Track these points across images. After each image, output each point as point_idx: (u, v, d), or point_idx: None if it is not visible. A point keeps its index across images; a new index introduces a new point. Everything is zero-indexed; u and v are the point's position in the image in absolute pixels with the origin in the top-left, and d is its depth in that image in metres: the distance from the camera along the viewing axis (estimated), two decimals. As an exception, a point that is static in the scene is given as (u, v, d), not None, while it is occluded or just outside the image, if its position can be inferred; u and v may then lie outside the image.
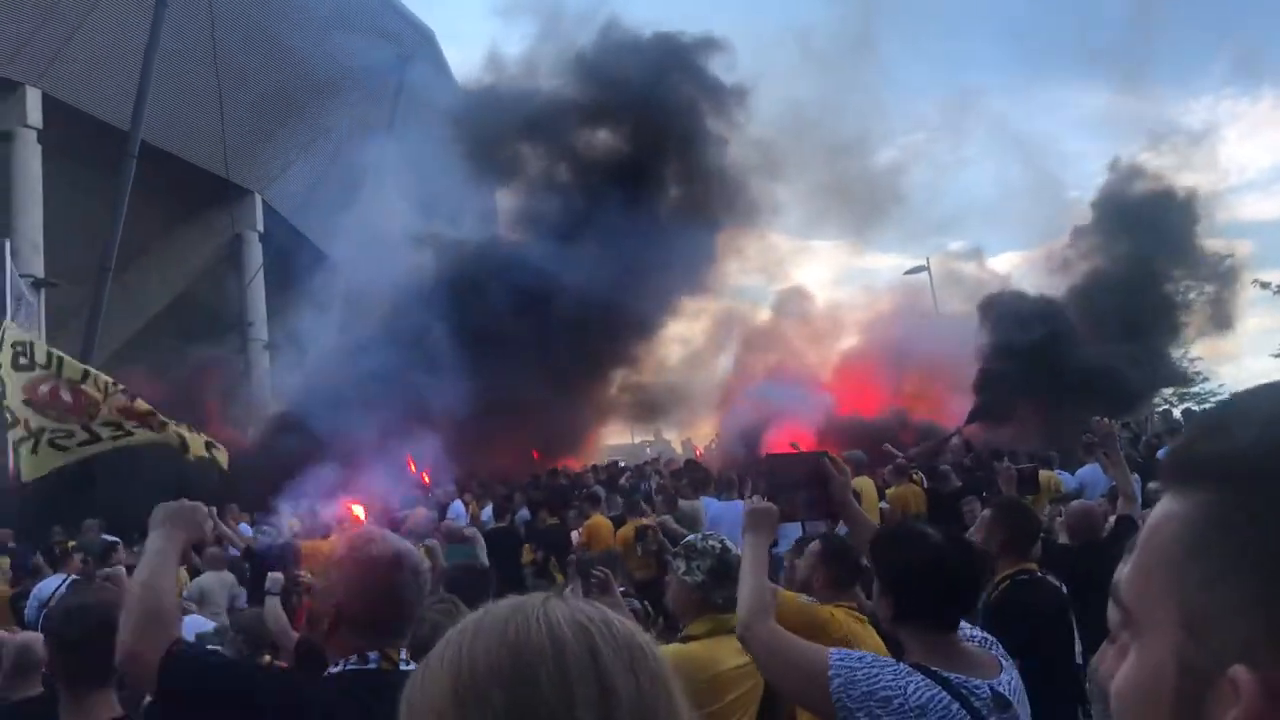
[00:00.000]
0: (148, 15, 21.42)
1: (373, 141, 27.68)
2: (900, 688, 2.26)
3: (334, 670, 2.20)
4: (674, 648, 3.34)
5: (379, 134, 27.78)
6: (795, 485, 3.10)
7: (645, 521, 8.94)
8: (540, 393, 20.09)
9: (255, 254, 26.86)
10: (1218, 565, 0.59)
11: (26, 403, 9.11)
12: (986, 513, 4.89)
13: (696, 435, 23.30)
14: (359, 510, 12.63)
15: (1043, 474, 9.28)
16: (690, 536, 3.67)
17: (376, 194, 28.21)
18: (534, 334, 19.95)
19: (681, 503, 9.76)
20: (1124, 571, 0.67)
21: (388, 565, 2.23)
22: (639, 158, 23.02)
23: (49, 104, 21.53)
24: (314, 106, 26.35)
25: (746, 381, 21.96)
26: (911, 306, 24.76)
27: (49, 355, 9.72)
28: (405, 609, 2.24)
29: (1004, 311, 20.57)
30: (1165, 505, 0.65)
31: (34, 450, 9.21)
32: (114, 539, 11.55)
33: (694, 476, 11.35)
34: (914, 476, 10.20)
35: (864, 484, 8.29)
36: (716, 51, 24.21)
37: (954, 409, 19.68)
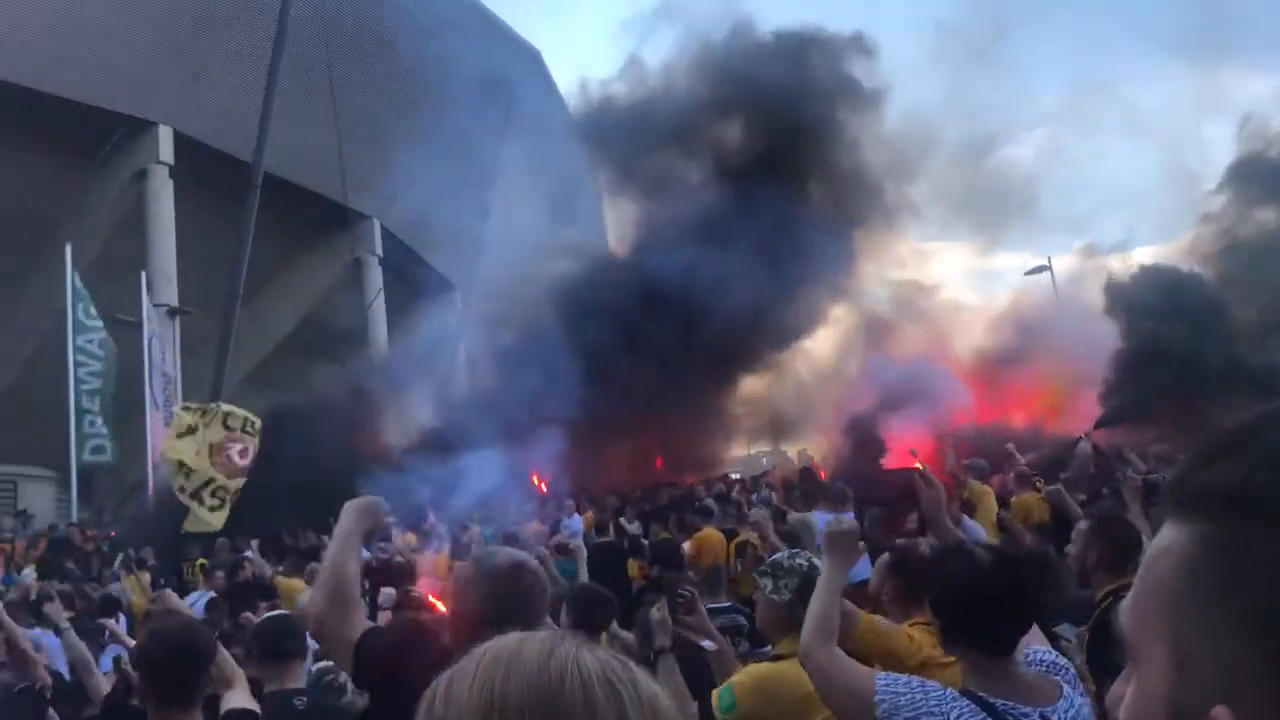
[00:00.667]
0: (268, 52, 22.34)
1: (487, 161, 28.29)
2: (944, 713, 2.22)
3: None
4: (764, 667, 3.26)
5: (492, 154, 28.34)
6: (885, 502, 2.98)
7: (746, 536, 8.75)
8: (666, 404, 20.02)
9: (375, 277, 27.62)
10: (1208, 603, 0.59)
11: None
12: (1082, 524, 4.62)
13: (816, 447, 22.67)
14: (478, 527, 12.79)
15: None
16: (777, 554, 3.56)
17: (493, 211, 28.83)
18: (662, 344, 19.82)
19: (791, 515, 9.52)
20: (1126, 601, 0.66)
21: (509, 573, 2.54)
22: (773, 161, 22.39)
23: (178, 141, 22.60)
24: (427, 131, 26.98)
25: (867, 369, 21.01)
26: (1037, 306, 23.59)
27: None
28: (528, 613, 2.49)
29: (1139, 296, 19.24)
30: (1164, 535, 0.64)
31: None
32: (244, 555, 11.99)
33: (806, 489, 11.08)
34: (1037, 485, 9.73)
35: (982, 493, 7.91)
36: (855, 51, 23.70)
37: (1087, 412, 18.78)
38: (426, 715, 0.92)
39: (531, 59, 30.88)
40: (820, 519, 8.94)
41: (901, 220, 23.87)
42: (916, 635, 3.51)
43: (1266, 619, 0.56)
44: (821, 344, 23.48)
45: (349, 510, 2.81)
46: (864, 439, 17.44)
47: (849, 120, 23.21)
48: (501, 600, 2.49)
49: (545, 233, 27.79)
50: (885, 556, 3.99)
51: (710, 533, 9.74)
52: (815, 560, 3.35)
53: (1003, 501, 9.02)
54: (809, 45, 23.65)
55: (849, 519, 3.04)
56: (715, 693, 3.26)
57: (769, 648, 3.57)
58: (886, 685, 2.31)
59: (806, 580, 3.23)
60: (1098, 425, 17.04)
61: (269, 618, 4.39)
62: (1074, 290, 24.08)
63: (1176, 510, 0.64)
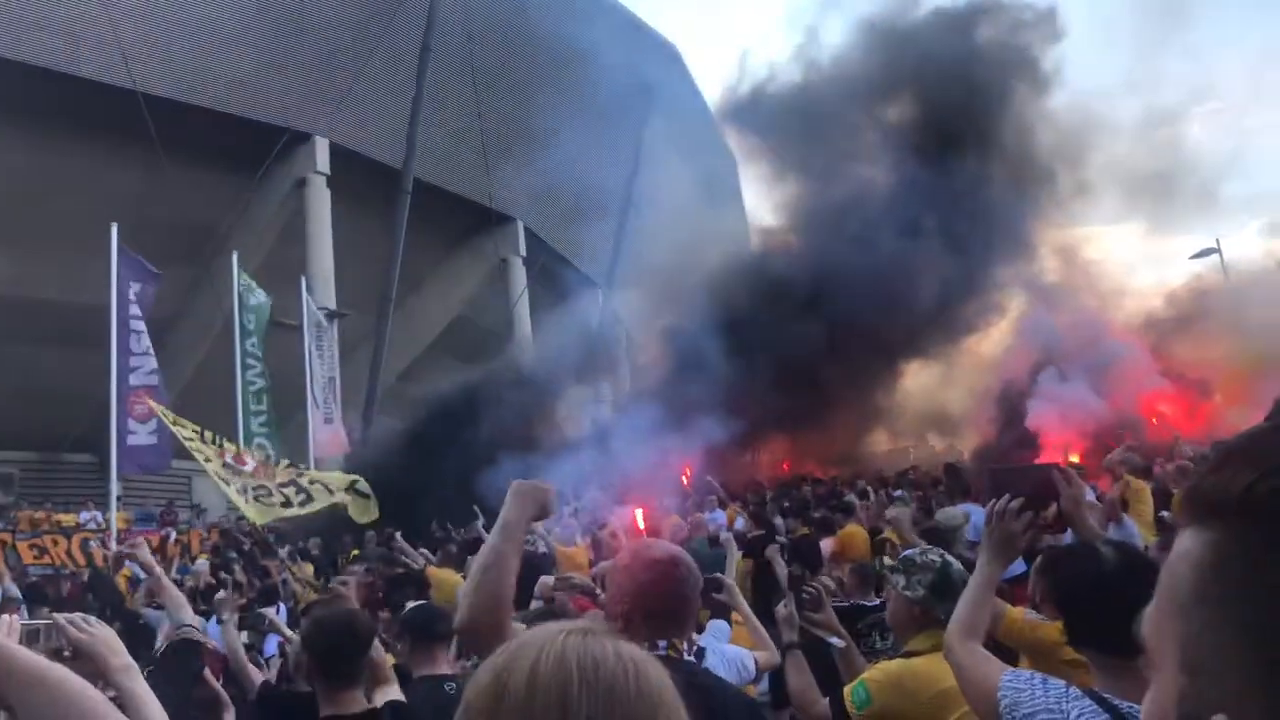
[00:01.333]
0: (414, 61, 23.14)
1: (629, 159, 28.56)
2: (1063, 711, 2.17)
3: None
4: (898, 663, 3.21)
5: (633, 152, 28.60)
6: (1022, 498, 2.87)
7: (888, 534, 8.56)
8: (818, 398, 19.69)
9: (519, 277, 28.24)
10: (1215, 611, 0.60)
11: (225, 466, 11.03)
12: None
13: (965, 442, 21.65)
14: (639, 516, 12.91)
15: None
16: (909, 551, 3.48)
17: (635, 208, 29.07)
18: (820, 334, 19.43)
19: (944, 511, 9.26)
20: (1147, 608, 0.67)
21: (667, 565, 2.60)
22: (945, 141, 21.43)
23: (334, 151, 23.63)
24: (568, 132, 27.41)
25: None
26: (1208, 291, 21.89)
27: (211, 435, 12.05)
28: (685, 604, 2.60)
29: None
30: (1180, 542, 0.65)
31: (248, 501, 11.07)
32: (389, 549, 12.44)
33: (951, 484, 10.77)
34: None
35: (1139, 489, 7.48)
36: (1029, 24, 22.74)
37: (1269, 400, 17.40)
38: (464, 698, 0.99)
39: (671, 57, 30.98)
40: (975, 514, 8.69)
41: (1073, 202, 22.60)
42: None
43: (1269, 630, 0.56)
44: (988, 336, 22.17)
45: (514, 494, 2.50)
46: (1012, 413, 16.71)
47: (1023, 96, 22.17)
48: (659, 593, 2.55)
49: (688, 228, 27.82)
50: (1039, 558, 3.88)
51: (854, 529, 9.59)
52: (948, 557, 3.32)
53: (1166, 496, 8.51)
54: (980, 17, 22.67)
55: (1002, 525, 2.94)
56: (848, 689, 3.22)
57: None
58: (1009, 681, 2.29)
59: (940, 576, 3.21)
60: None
61: (418, 605, 4.54)
62: (1247, 273, 22.28)
63: (1189, 517, 0.64)
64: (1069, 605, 2.42)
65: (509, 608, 2.39)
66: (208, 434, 13.04)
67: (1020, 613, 3.58)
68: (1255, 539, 0.59)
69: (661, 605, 2.54)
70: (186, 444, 12.87)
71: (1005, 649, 3.66)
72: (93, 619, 2.12)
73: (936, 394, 22.48)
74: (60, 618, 2.12)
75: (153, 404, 14.50)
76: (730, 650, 4.17)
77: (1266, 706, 0.56)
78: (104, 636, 2.07)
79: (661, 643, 2.49)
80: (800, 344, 19.01)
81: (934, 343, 21.62)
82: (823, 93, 23.08)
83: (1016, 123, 21.94)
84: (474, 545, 12.53)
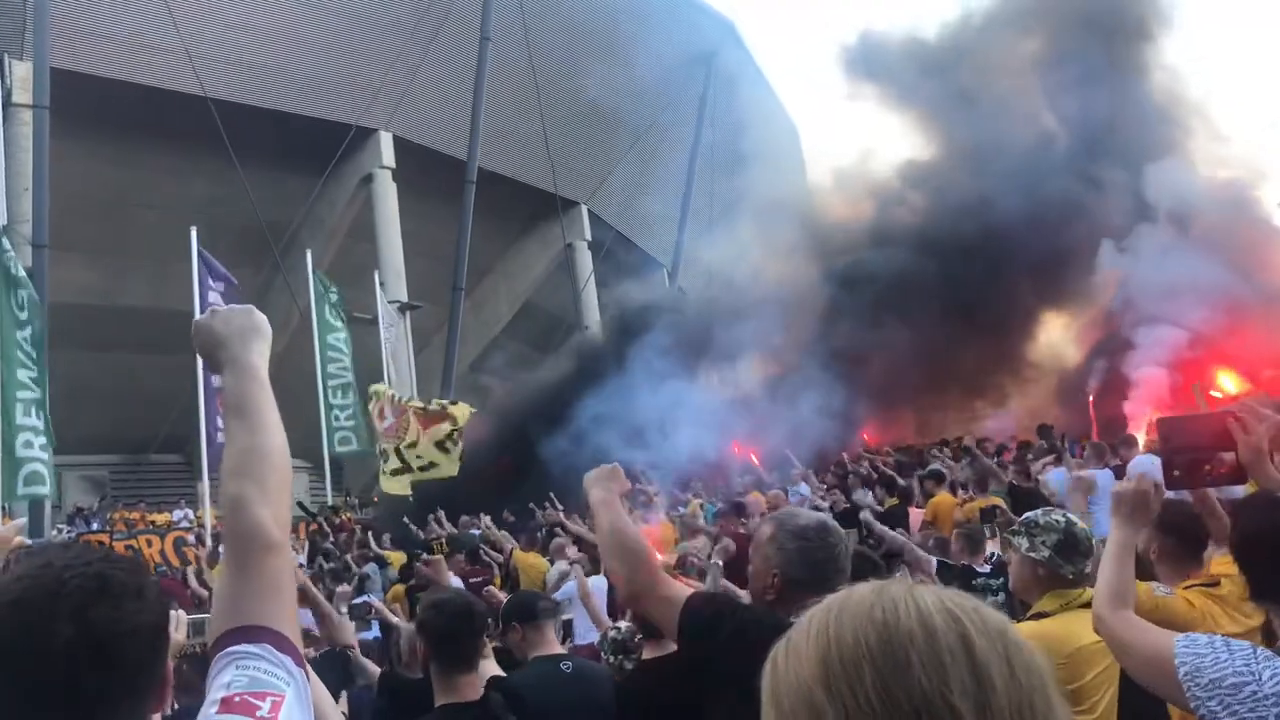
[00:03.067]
0: (473, 51, 23.22)
1: (689, 137, 28.38)
2: (1253, 673, 2.01)
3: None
4: (1029, 626, 3.14)
5: (693, 129, 28.43)
6: (1195, 450, 2.75)
7: (992, 500, 8.37)
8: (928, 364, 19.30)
9: (585, 261, 28.28)
10: None
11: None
12: None
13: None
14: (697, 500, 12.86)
15: None
16: (1031, 513, 3.42)
17: (697, 186, 28.89)
18: (942, 296, 18.73)
19: (1074, 473, 9.05)
20: None
21: (817, 531, 2.58)
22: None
23: (398, 145, 23.85)
24: (628, 113, 27.32)
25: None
26: None
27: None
28: (839, 571, 2.55)
29: None
30: None
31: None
32: (479, 534, 12.56)
33: (1045, 443, 10.50)
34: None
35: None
36: None
37: None
38: (771, 673, 0.93)
39: (728, 31, 30.67)
40: (1102, 476, 8.47)
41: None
42: (1196, 601, 3.33)
43: None
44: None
45: (593, 481, 2.74)
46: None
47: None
48: (812, 561, 2.52)
49: (749, 203, 27.53)
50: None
51: (945, 497, 9.43)
52: (1072, 516, 3.27)
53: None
54: None
55: (1150, 471, 2.84)
56: None
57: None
58: (1186, 647, 2.15)
59: (1065, 535, 3.16)
60: None
61: (519, 592, 4.56)
62: None
63: None
64: (1250, 558, 2.29)
65: (655, 561, 2.56)
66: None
67: (1147, 587, 3.46)
68: None
69: (813, 573, 2.49)
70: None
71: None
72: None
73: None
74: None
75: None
76: None
77: None
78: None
79: None
80: (910, 308, 18.55)
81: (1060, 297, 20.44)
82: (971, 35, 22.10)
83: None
84: (551, 530, 12.62)
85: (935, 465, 11.07)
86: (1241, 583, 2.38)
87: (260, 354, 1.72)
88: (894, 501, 10.46)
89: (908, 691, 0.83)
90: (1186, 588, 3.43)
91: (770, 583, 2.54)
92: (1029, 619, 3.19)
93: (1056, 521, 3.23)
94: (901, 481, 10.98)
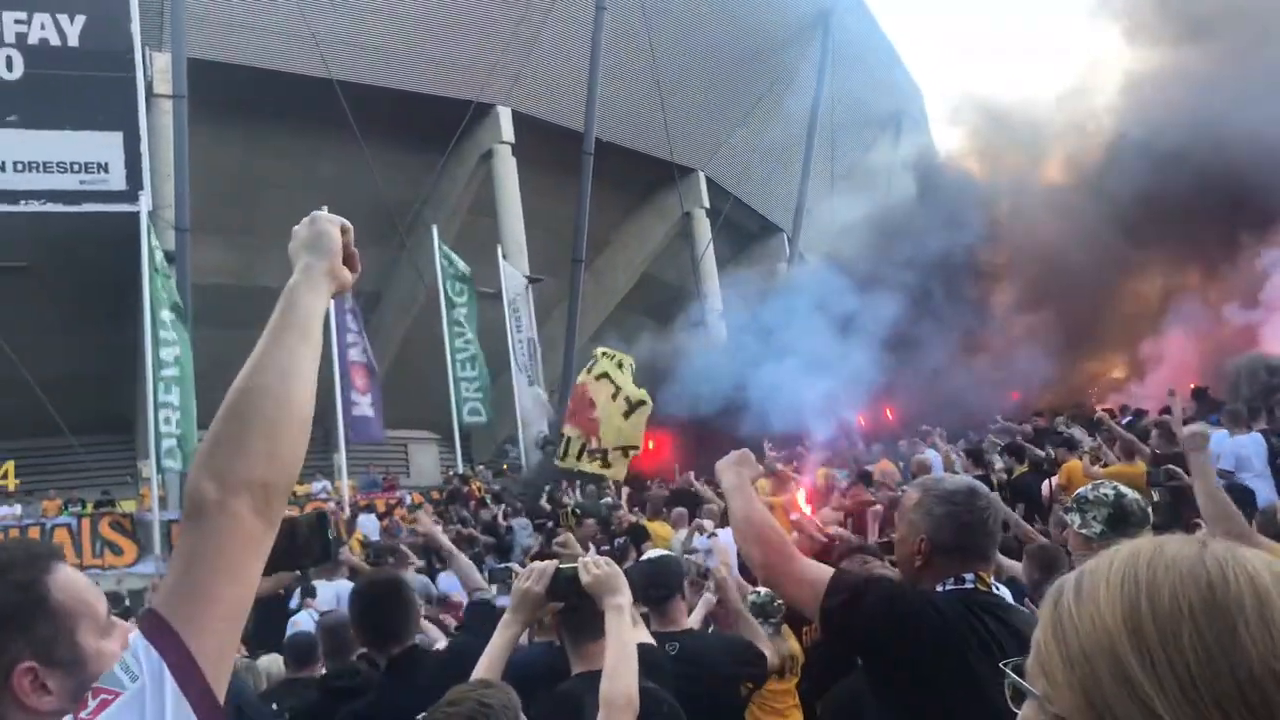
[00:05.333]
0: (590, 23, 23.24)
1: (808, 99, 27.85)
2: None
3: (940, 592, 2.49)
4: None
5: (812, 91, 27.90)
6: None
7: (1134, 468, 7.99)
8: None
9: (704, 229, 28.14)
10: None
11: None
12: None
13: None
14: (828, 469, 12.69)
15: None
16: (1082, 489, 3.38)
17: (816, 148, 28.37)
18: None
19: (1189, 428, 8.61)
20: None
21: (966, 496, 2.54)
22: None
23: (516, 120, 24.10)
24: (745, 77, 26.98)
25: None
26: None
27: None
28: (988, 536, 2.55)
29: None
30: None
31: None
32: (617, 502, 12.70)
33: (1202, 408, 9.98)
34: None
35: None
36: None
37: None
38: (1053, 610, 0.88)
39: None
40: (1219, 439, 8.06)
41: None
42: None
43: None
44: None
45: (726, 467, 2.81)
46: None
47: None
48: (961, 526, 2.49)
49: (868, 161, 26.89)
50: None
51: (1075, 464, 9.09)
52: (1122, 489, 3.24)
53: None
54: None
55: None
56: None
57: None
58: None
59: (1115, 509, 3.14)
60: None
61: (646, 560, 4.53)
62: None
63: None
64: None
65: (787, 542, 2.61)
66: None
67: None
68: None
69: (962, 539, 2.48)
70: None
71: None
72: (604, 561, 2.76)
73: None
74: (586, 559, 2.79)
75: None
76: None
77: None
78: (609, 574, 2.67)
79: (968, 576, 2.46)
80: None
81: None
82: None
83: None
84: (679, 495, 12.68)
85: (1069, 432, 10.68)
86: None
87: (306, 269, 1.64)
88: (1023, 469, 10.14)
89: (1232, 661, 0.78)
90: None
91: (918, 548, 2.51)
92: None
93: (1106, 495, 3.20)
94: (1039, 452, 10.57)
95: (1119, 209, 18.66)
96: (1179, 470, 6.53)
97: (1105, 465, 8.25)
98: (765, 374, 15.83)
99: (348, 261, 1.66)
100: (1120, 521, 3.11)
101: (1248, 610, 0.79)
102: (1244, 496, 6.33)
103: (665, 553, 4.56)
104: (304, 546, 1.84)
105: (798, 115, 27.79)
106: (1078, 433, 11.24)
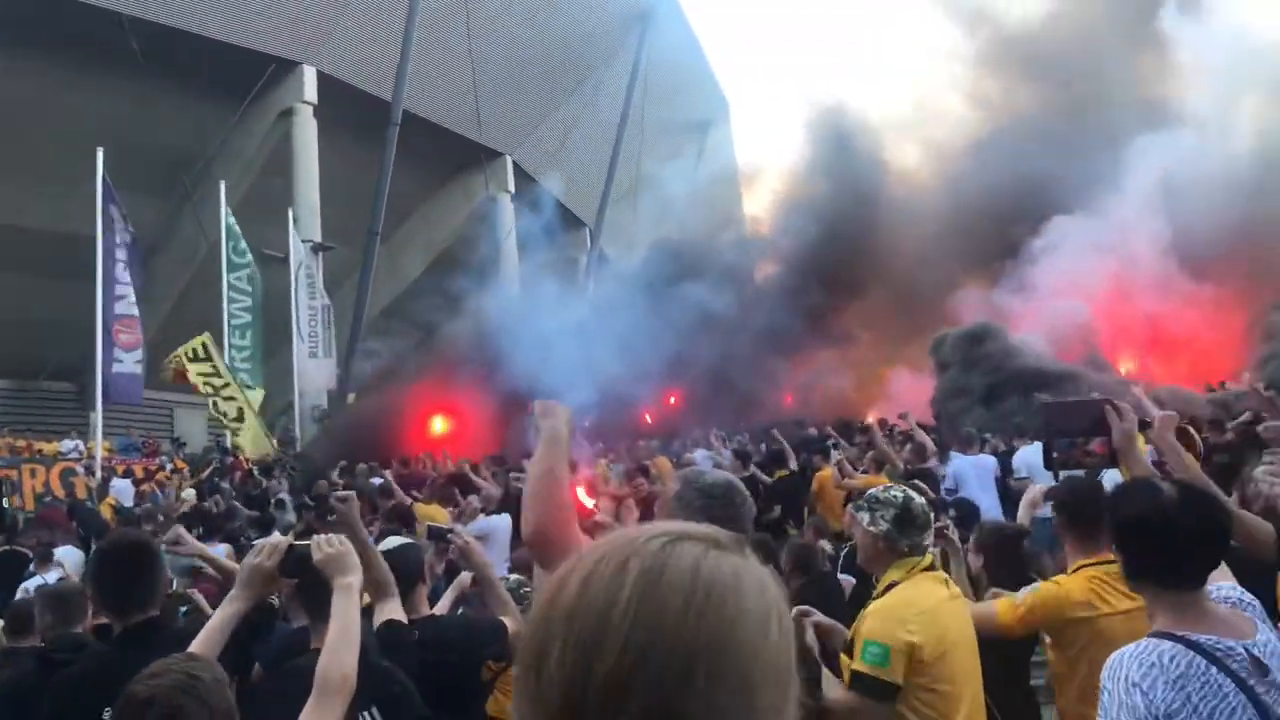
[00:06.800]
0: (407, -11, 22.74)
1: (620, 96, 28.25)
2: (1158, 663, 2.16)
3: None
4: (888, 597, 3.31)
5: (625, 89, 28.31)
6: (1073, 434, 3.03)
7: (881, 480, 8.64)
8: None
9: (508, 214, 28.03)
10: None
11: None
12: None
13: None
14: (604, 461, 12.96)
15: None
16: (873, 489, 3.63)
17: (624, 146, 28.78)
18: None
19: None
20: None
21: (724, 490, 2.66)
22: None
23: (321, 80, 23.26)
24: (561, 68, 27.08)
25: None
26: None
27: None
28: (743, 529, 2.62)
29: None
30: None
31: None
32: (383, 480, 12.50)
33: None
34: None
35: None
36: None
37: None
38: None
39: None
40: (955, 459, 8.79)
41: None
42: (1088, 580, 3.54)
43: None
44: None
45: (549, 412, 2.56)
46: None
47: None
48: (712, 519, 2.50)
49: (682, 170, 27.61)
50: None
51: (828, 472, 9.70)
52: (910, 493, 3.47)
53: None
54: None
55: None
56: (856, 659, 3.22)
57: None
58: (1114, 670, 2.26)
59: (902, 510, 3.35)
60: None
61: (385, 550, 4.36)
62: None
63: None
64: (1128, 541, 2.42)
65: (573, 515, 2.48)
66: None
67: (1007, 603, 3.70)
68: None
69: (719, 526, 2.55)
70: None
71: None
72: (336, 539, 2.70)
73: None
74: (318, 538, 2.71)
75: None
76: None
77: None
78: (340, 554, 2.64)
79: None
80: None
81: None
82: None
83: None
84: (455, 479, 12.62)
85: (826, 443, 11.37)
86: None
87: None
88: (784, 473, 10.70)
89: None
90: (1080, 567, 3.63)
91: None
92: (883, 591, 3.36)
93: (895, 497, 3.42)
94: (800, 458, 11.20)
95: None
96: (924, 486, 7.12)
97: (849, 478, 8.82)
98: (553, 362, 16.01)
99: None
100: (906, 523, 3.33)
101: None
102: (969, 510, 6.98)
103: (407, 541, 4.44)
104: None
105: (609, 112, 28.14)
106: (844, 443, 11.96)
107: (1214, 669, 2.14)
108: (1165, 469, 3.31)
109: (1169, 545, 2.29)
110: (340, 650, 2.50)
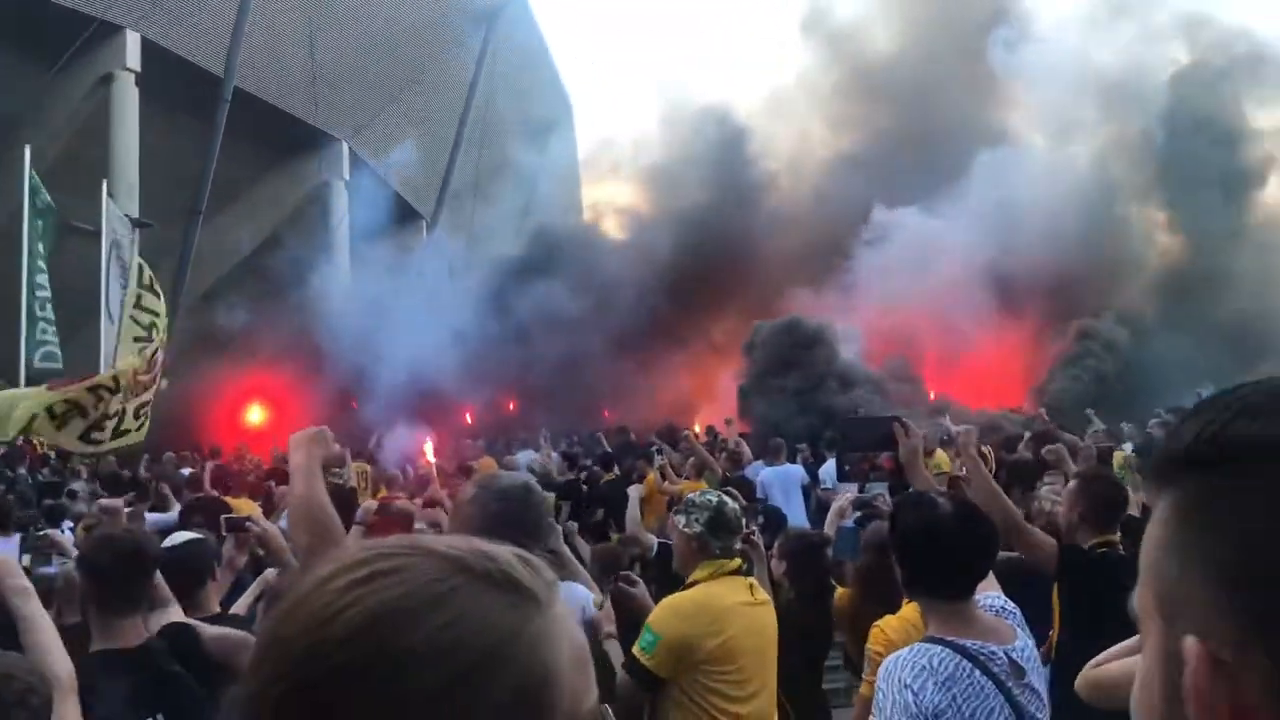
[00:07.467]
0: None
1: (463, 90, 27.98)
2: (927, 665, 2.33)
3: None
4: (675, 596, 3.52)
5: (467, 82, 28.05)
6: (866, 448, 3.28)
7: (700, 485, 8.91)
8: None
9: (341, 200, 27.27)
10: (1182, 561, 0.65)
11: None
12: (1072, 483, 4.59)
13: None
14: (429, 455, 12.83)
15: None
16: (691, 494, 3.85)
17: (465, 141, 28.51)
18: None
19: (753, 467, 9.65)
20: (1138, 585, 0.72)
21: (521, 492, 2.74)
22: None
23: (147, 48, 22.04)
24: (404, 56, 26.57)
25: None
26: None
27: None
28: (539, 532, 2.74)
29: None
30: (1156, 510, 0.69)
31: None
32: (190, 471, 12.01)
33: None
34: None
35: (941, 459, 8.11)
36: None
37: None
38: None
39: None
40: (759, 470, 9.12)
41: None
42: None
43: (1230, 567, 0.61)
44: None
45: (298, 444, 2.63)
46: None
47: None
48: (507, 518, 2.58)
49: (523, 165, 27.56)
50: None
51: (651, 477, 9.92)
52: (724, 498, 3.71)
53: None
54: None
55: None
56: (636, 646, 3.39)
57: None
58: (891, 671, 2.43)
59: (716, 513, 3.55)
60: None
61: (170, 544, 4.18)
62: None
63: (1154, 482, 0.69)
64: (906, 552, 2.58)
65: (339, 531, 2.57)
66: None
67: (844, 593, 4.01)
68: (1208, 485, 0.64)
69: (516, 535, 2.46)
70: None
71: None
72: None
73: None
74: None
75: None
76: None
77: (1233, 630, 0.60)
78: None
79: None
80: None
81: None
82: None
83: None
84: (274, 474, 12.25)
85: (651, 450, 11.61)
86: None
87: None
88: (610, 477, 10.88)
89: None
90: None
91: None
92: (684, 587, 3.54)
93: (710, 501, 3.63)
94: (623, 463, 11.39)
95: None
96: (736, 493, 7.39)
97: (671, 483, 9.09)
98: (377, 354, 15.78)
99: None
100: (719, 526, 3.53)
101: None
102: (777, 518, 7.29)
103: (196, 536, 4.20)
104: None
105: (452, 107, 27.82)
106: (668, 448, 12.21)
107: (978, 672, 2.33)
108: (965, 482, 3.63)
109: (942, 557, 2.48)
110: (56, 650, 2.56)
